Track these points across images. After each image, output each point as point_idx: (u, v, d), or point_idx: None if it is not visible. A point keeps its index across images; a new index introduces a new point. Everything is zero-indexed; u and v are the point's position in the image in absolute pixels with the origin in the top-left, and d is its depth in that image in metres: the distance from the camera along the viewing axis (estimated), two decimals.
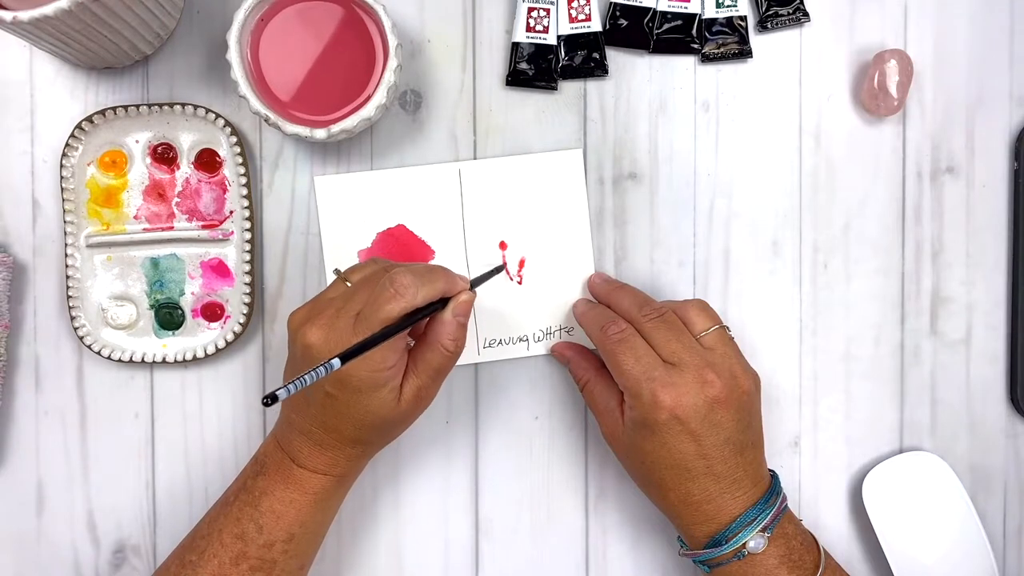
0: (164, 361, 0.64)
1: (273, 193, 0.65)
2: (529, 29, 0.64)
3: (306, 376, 0.44)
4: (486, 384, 0.66)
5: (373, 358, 0.54)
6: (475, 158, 0.65)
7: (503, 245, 0.65)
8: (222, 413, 0.66)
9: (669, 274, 0.66)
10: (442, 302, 0.57)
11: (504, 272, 0.65)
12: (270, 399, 0.42)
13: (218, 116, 0.63)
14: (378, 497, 0.66)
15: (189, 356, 0.64)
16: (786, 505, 0.59)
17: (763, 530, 0.56)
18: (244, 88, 0.58)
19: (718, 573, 0.57)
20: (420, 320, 0.55)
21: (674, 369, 0.57)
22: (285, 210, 0.65)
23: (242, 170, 0.63)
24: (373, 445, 0.59)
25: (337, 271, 0.58)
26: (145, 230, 0.64)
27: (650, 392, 0.57)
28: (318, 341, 0.54)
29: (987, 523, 0.66)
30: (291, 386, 0.43)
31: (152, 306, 0.64)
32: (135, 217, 0.64)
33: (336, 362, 0.47)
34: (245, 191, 0.63)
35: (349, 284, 0.57)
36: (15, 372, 0.65)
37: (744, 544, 0.56)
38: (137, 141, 0.64)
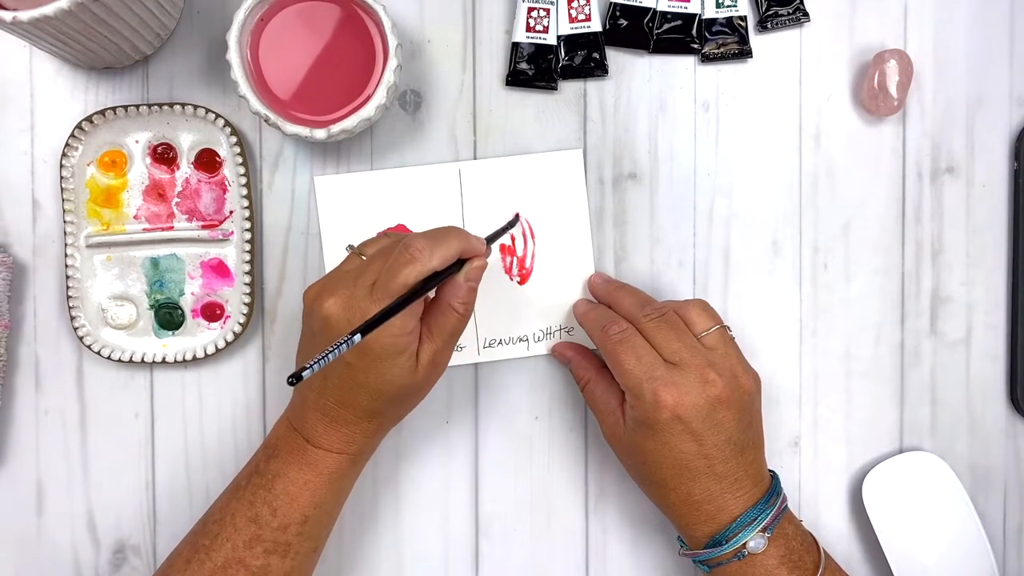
0: (164, 361, 0.64)
1: (273, 193, 0.65)
2: (529, 29, 0.64)
3: (329, 354, 0.44)
4: (486, 384, 0.66)
5: (394, 324, 0.53)
6: (475, 158, 0.65)
7: (504, 249, 0.65)
8: (222, 413, 0.66)
9: (669, 274, 0.66)
10: (459, 264, 0.57)
11: (519, 224, 0.65)
12: (295, 378, 0.42)
13: (218, 116, 0.63)
14: (378, 498, 0.66)
15: (189, 356, 0.64)
16: (786, 505, 0.59)
17: (763, 530, 0.56)
18: (244, 88, 0.58)
19: (718, 573, 0.57)
20: (439, 283, 0.55)
21: (675, 369, 0.57)
22: (285, 210, 0.65)
23: (242, 170, 0.63)
24: (389, 418, 0.59)
25: (351, 246, 0.58)
26: (145, 230, 0.64)
27: (652, 392, 0.57)
28: (336, 311, 0.54)
29: (987, 523, 0.66)
30: (316, 365, 0.43)
31: (152, 306, 0.64)
32: (135, 217, 0.64)
33: (357, 336, 0.47)
34: (245, 191, 0.63)
35: (364, 257, 0.57)
36: (15, 372, 0.65)
37: (744, 544, 0.56)
38: (137, 141, 0.64)
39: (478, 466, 0.66)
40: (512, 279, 0.65)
